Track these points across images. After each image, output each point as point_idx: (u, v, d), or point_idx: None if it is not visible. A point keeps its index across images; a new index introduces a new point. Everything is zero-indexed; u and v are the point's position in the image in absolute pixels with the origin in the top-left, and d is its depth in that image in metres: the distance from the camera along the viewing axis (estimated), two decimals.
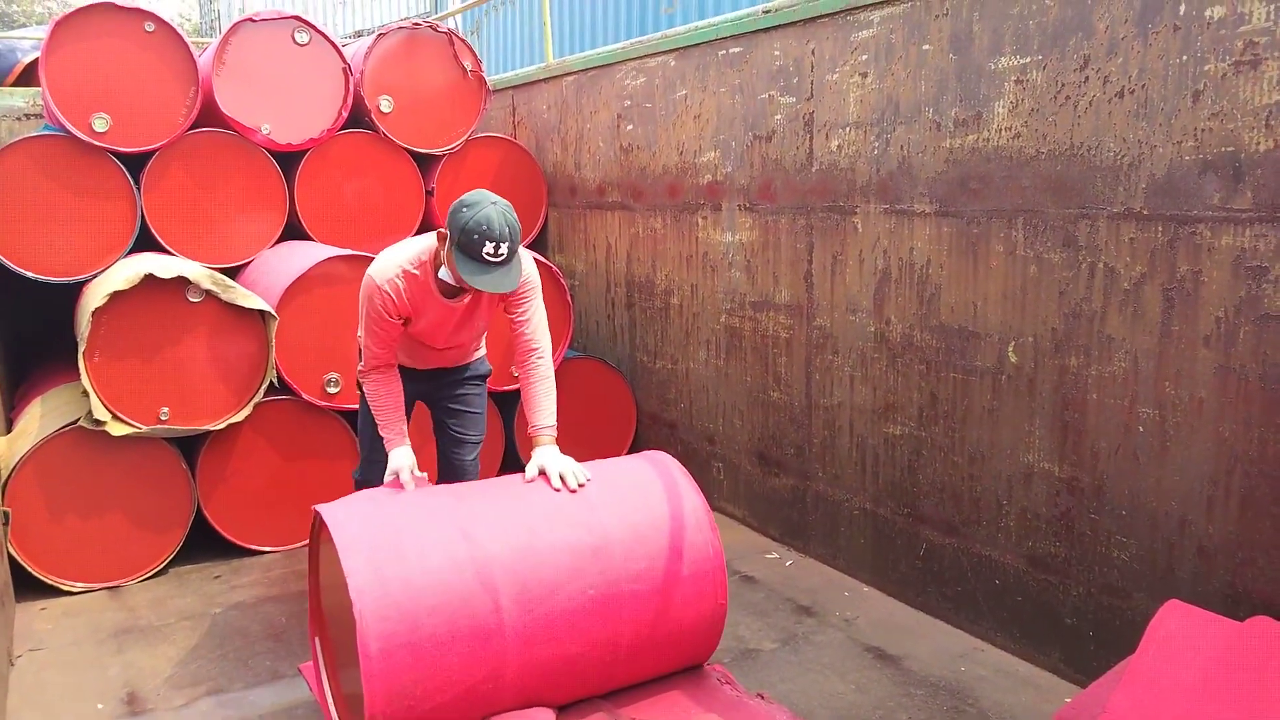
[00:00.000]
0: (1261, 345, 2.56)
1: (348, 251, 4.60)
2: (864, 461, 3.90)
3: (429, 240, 3.20)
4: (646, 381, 5.33)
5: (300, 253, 4.72)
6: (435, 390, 3.63)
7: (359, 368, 3.38)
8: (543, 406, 3.23)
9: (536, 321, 3.28)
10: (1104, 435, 2.98)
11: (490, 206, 2.89)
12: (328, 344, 4.47)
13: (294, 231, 5.08)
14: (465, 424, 3.66)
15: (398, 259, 3.19)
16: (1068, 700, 2.88)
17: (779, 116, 4.09)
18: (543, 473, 3.05)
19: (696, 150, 4.64)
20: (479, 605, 2.66)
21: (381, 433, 3.29)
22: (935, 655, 3.40)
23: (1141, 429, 2.87)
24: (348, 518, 2.79)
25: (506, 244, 2.88)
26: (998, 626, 3.41)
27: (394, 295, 3.14)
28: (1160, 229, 2.76)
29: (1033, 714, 3.00)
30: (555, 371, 4.87)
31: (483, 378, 3.72)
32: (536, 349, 3.27)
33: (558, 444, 3.16)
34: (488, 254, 2.87)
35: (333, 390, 4.49)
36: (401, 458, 3.18)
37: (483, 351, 3.72)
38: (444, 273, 3.09)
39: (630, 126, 5.12)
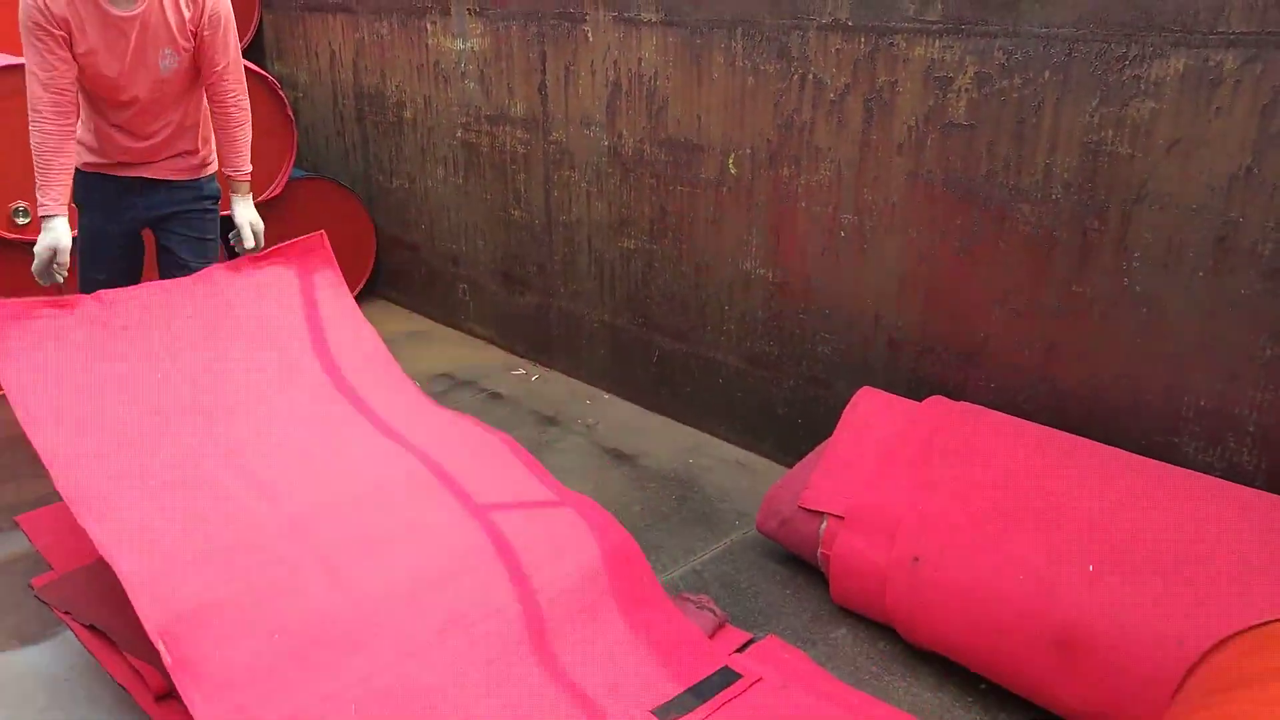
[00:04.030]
0: (945, 152, 2.78)
1: (17, 60, 4.01)
2: (602, 276, 3.99)
3: None
4: (385, 202, 5.12)
5: None
6: (160, 213, 3.30)
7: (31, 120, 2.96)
8: (242, 152, 3.27)
9: (233, 56, 3.17)
10: (811, 240, 3.18)
11: None
12: (9, 168, 3.95)
13: None
14: (190, 250, 3.34)
15: None
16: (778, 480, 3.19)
17: None
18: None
19: None
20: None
21: (38, 192, 2.93)
22: (667, 452, 3.64)
23: (843, 234, 3.09)
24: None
25: None
26: (721, 421, 3.68)
27: None
28: (863, 40, 2.88)
29: (749, 494, 3.30)
30: (281, 193, 4.62)
31: (213, 199, 3.38)
32: (234, 90, 3.20)
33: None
34: None
35: (22, 221, 4.01)
36: (59, 232, 2.92)
37: (210, 168, 3.36)
38: None
39: None
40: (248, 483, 2.69)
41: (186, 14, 3.02)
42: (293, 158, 4.75)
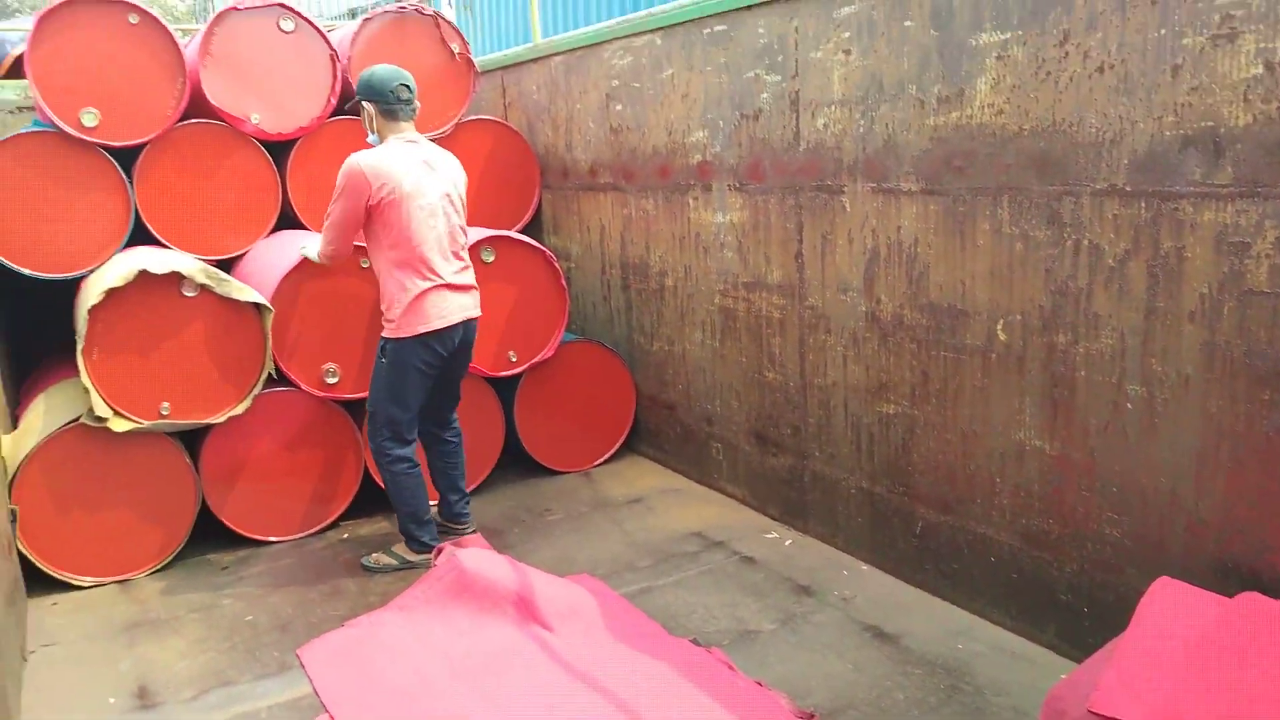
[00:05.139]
0: (1245, 321, 2.55)
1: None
2: (859, 440, 3.91)
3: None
4: (644, 363, 5.33)
5: (294, 243, 4.73)
6: None
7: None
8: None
9: (326, 218, 4.01)
10: (1093, 412, 2.97)
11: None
12: (324, 335, 4.50)
13: (288, 220, 5.09)
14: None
15: None
16: (1063, 676, 2.90)
17: (765, 95, 4.06)
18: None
19: (685, 130, 4.61)
20: None
21: None
22: (932, 633, 3.42)
23: (1130, 406, 2.87)
24: None
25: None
26: (994, 603, 3.42)
27: None
28: (1143, 205, 2.73)
29: (1028, 690, 3.01)
30: (553, 356, 5.00)
31: (380, 350, 4.05)
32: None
33: None
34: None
35: (331, 380, 4.51)
36: None
37: (390, 329, 3.98)
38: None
39: (619, 106, 5.09)
40: None
41: None
42: (565, 323, 5.09)
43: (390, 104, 3.93)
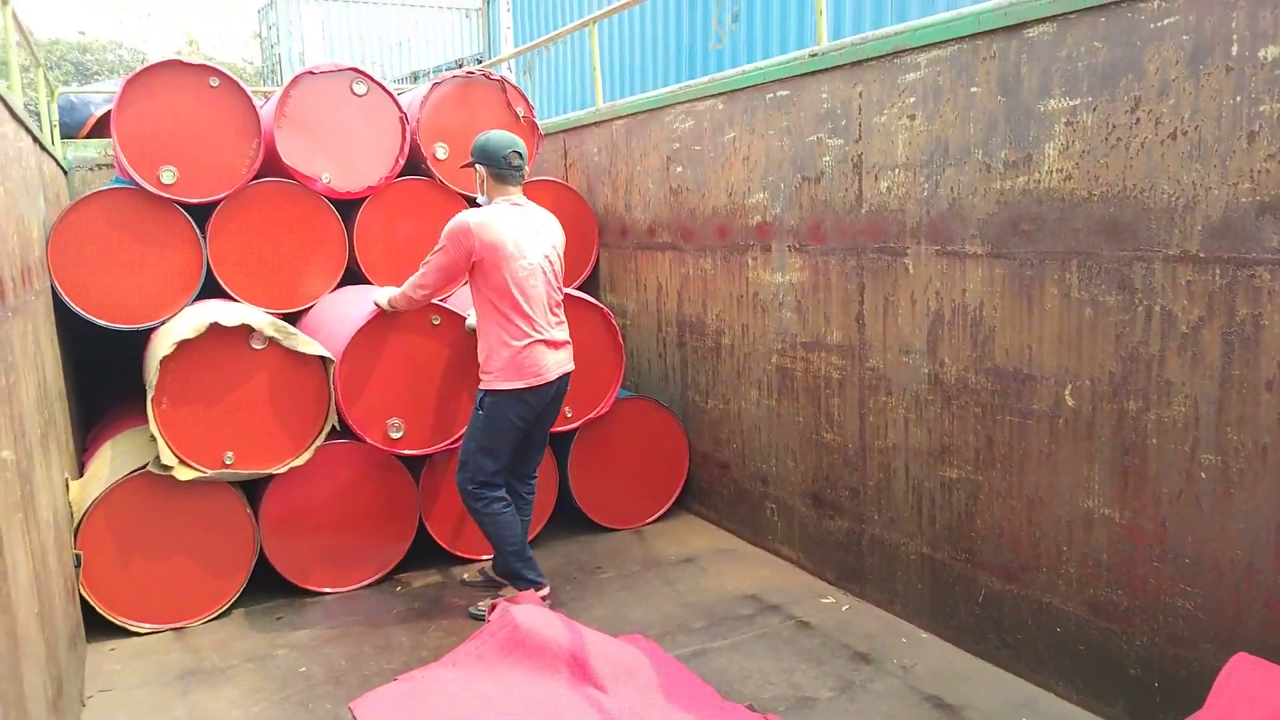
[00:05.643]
0: None
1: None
2: (920, 505, 3.86)
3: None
4: (699, 421, 5.33)
5: (359, 297, 4.82)
6: None
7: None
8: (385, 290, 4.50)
9: (423, 264, 4.19)
10: (1165, 481, 2.91)
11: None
12: (391, 389, 4.54)
13: (354, 276, 5.20)
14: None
15: None
16: None
17: (827, 158, 4.10)
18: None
19: (745, 192, 4.66)
20: None
21: None
22: (995, 705, 3.33)
23: (1204, 475, 2.80)
24: None
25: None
26: (1060, 676, 3.33)
27: None
28: (1218, 272, 2.70)
29: None
30: (608, 412, 5.01)
31: (479, 403, 4.15)
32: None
33: None
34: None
35: (395, 435, 4.55)
36: None
37: (485, 382, 4.10)
38: None
39: (679, 169, 5.17)
40: None
41: None
42: (620, 380, 5.11)
43: (501, 169, 4.10)
